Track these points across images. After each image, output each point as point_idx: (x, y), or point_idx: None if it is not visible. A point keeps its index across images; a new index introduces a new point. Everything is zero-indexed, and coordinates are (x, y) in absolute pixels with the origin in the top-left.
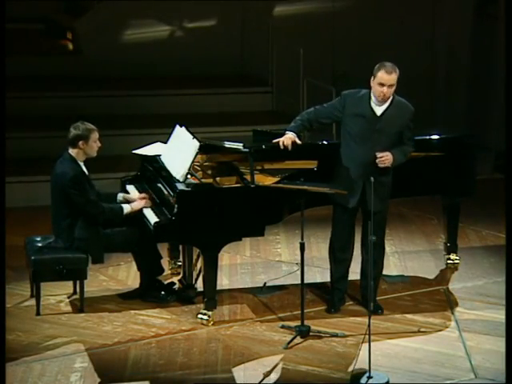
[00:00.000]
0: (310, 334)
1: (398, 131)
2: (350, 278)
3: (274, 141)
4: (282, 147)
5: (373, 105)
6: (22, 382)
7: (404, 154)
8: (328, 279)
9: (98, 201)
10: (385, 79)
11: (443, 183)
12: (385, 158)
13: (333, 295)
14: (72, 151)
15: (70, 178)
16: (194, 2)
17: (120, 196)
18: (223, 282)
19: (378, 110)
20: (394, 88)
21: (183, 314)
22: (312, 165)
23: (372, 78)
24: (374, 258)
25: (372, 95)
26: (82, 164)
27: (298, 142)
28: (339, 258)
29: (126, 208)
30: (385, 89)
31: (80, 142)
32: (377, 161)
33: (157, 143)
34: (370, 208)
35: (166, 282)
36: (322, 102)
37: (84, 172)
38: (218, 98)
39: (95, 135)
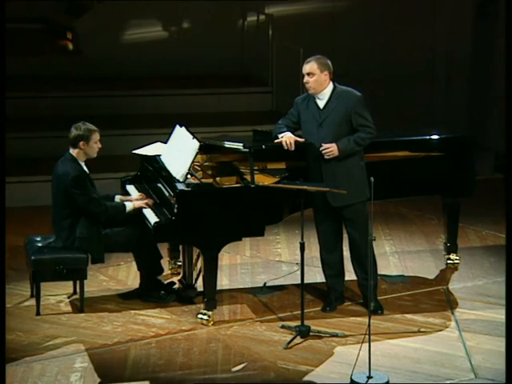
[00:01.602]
0: (310, 334)
1: (343, 120)
2: (348, 278)
3: (276, 141)
4: (285, 147)
5: (317, 101)
6: (21, 381)
7: (354, 141)
8: None
9: (101, 199)
10: (303, 68)
11: (443, 183)
12: (328, 150)
13: (329, 294)
14: (73, 151)
15: (72, 177)
16: (194, 2)
17: (117, 198)
18: (223, 282)
19: (321, 104)
20: (315, 77)
21: (183, 314)
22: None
23: None
24: (359, 256)
25: None
26: (83, 164)
27: (301, 140)
28: (326, 258)
29: (129, 205)
30: (305, 78)
31: (81, 143)
32: (322, 153)
33: (157, 143)
34: (333, 204)
35: (165, 282)
36: None
37: (85, 171)
38: (218, 97)
39: (96, 136)
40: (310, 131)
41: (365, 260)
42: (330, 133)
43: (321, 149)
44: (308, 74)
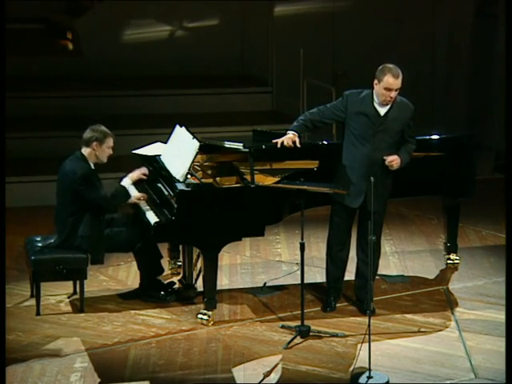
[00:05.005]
0: (310, 334)
1: (399, 130)
2: (348, 278)
3: (274, 141)
4: (287, 146)
5: (375, 105)
6: (21, 381)
7: (408, 153)
8: None
9: (107, 193)
10: (392, 84)
11: (443, 183)
12: (394, 162)
13: (329, 294)
14: (85, 150)
15: (80, 175)
16: (194, 2)
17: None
18: (223, 282)
19: (382, 111)
20: (398, 91)
21: (183, 314)
22: (312, 165)
23: (376, 81)
24: (373, 258)
25: (375, 96)
26: (91, 164)
27: (298, 144)
28: (337, 257)
29: (125, 181)
30: (392, 93)
31: (94, 143)
32: (386, 164)
33: (157, 143)
34: (370, 208)
35: (165, 282)
36: (321, 101)
37: (94, 170)
38: (218, 97)
39: (110, 141)
40: (365, 134)
41: (376, 261)
42: (388, 140)
43: (387, 160)
44: (397, 89)
